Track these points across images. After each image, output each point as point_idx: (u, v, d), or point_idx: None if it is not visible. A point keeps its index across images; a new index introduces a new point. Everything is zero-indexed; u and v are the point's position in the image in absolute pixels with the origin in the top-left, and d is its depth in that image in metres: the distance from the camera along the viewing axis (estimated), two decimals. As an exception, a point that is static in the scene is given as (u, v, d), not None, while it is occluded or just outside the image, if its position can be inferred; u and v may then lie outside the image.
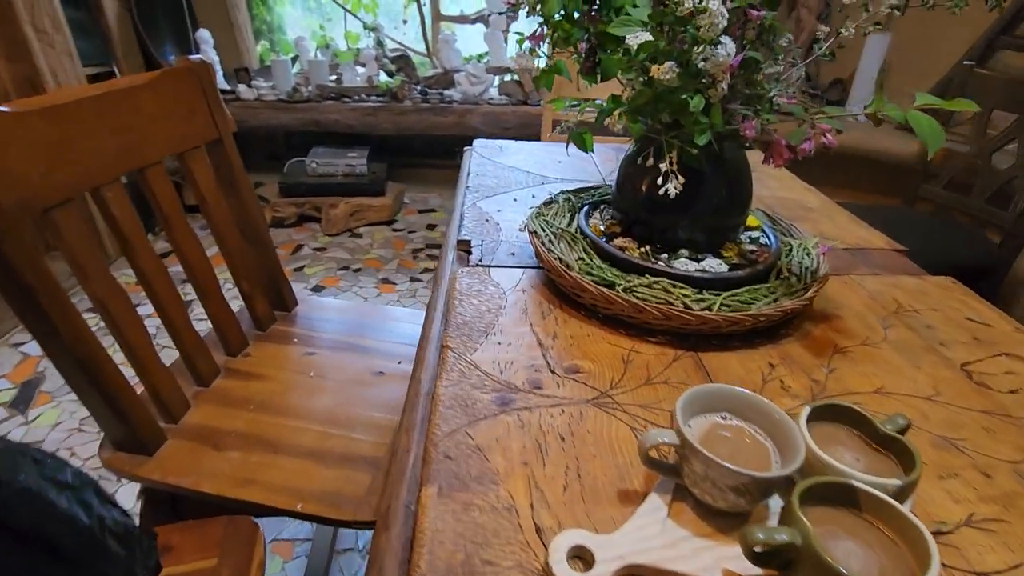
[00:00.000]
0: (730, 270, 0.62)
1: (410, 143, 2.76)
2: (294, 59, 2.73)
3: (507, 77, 2.55)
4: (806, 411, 0.41)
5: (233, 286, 0.93)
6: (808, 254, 0.68)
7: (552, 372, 0.53)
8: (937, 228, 1.49)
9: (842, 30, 0.58)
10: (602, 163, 1.17)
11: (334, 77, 2.61)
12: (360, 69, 2.64)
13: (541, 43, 0.66)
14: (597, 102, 0.71)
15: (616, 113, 0.66)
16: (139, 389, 0.72)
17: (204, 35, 2.48)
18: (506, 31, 2.52)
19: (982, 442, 0.48)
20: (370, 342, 0.97)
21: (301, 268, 2.13)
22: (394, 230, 2.47)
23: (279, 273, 1.03)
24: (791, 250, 0.68)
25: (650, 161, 0.61)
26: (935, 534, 0.39)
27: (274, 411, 0.80)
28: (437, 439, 0.45)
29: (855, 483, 0.35)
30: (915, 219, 1.54)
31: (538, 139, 1.67)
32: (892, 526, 0.34)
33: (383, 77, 2.60)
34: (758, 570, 0.34)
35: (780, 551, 0.33)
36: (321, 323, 1.02)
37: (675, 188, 0.58)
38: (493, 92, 2.54)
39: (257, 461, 0.71)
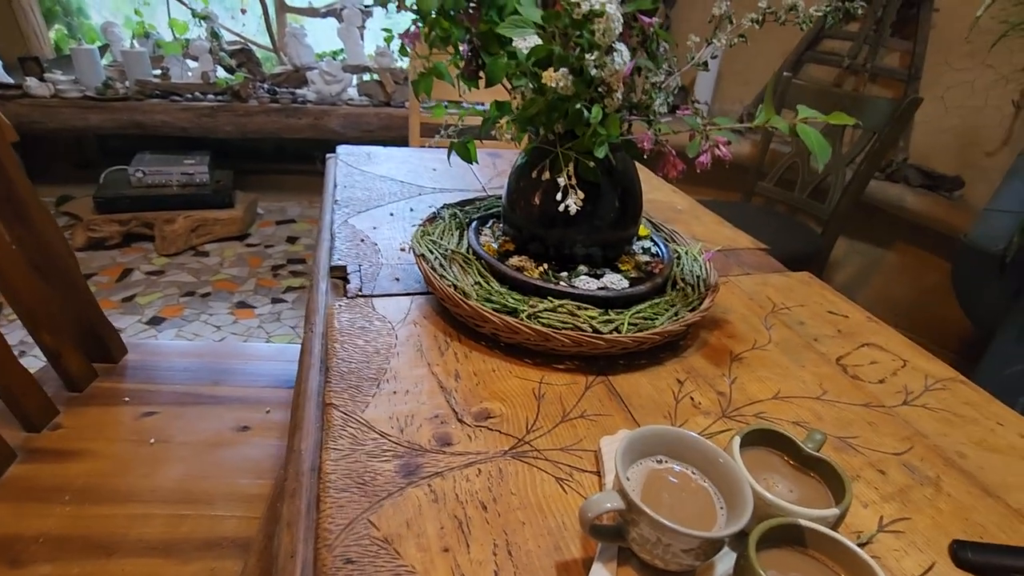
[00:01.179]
0: (631, 285, 0.60)
1: (259, 147, 2.48)
2: (103, 49, 2.31)
3: (367, 76, 2.40)
4: (737, 442, 0.39)
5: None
6: (695, 260, 0.68)
7: (461, 421, 0.47)
8: (772, 220, 1.67)
9: (715, 40, 0.58)
10: (480, 170, 1.12)
11: (159, 72, 2.25)
12: (192, 64, 2.31)
13: (415, 42, 0.58)
14: (479, 107, 0.66)
15: (503, 122, 0.61)
16: None
17: (-30, 15, 1.99)
18: (362, 27, 2.37)
19: (870, 437, 0.51)
20: (227, 390, 0.82)
21: (132, 297, 1.80)
22: (248, 245, 2.20)
23: (97, 315, 0.83)
24: (679, 258, 0.69)
25: (545, 175, 0.56)
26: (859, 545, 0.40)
27: (102, 498, 0.63)
28: (331, 537, 0.36)
29: (802, 522, 0.33)
30: (753, 213, 1.72)
31: (405, 143, 1.58)
32: (838, 560, 0.33)
33: (221, 73, 2.30)
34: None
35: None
36: (161, 372, 0.84)
37: (576, 204, 0.54)
38: (352, 92, 2.37)
39: (81, 573, 0.55)
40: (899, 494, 0.45)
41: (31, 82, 2.05)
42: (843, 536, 0.33)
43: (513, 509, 0.39)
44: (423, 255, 0.62)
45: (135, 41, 2.33)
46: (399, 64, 2.37)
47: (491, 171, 1.12)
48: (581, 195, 0.55)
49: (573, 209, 0.54)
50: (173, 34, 2.41)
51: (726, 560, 0.36)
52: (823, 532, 0.33)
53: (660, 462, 0.38)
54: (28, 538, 0.58)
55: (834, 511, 0.35)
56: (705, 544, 0.32)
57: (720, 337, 0.63)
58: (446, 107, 0.66)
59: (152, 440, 0.71)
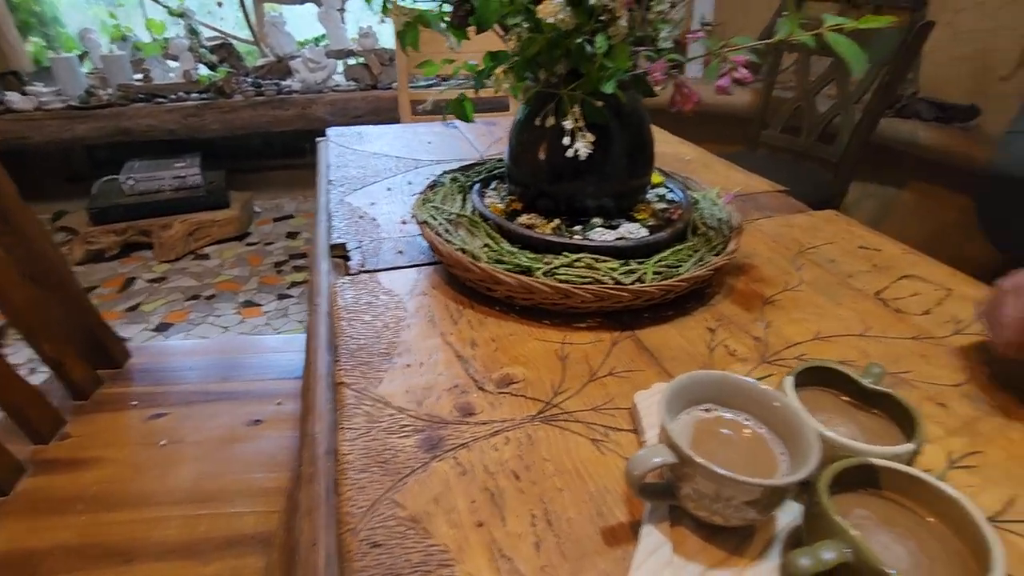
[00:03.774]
0: (650, 233, 0.56)
1: (247, 143, 2.43)
2: (82, 56, 2.25)
3: (352, 60, 2.34)
4: (790, 382, 0.35)
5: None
6: (715, 204, 0.64)
7: (482, 389, 0.43)
8: (780, 168, 1.62)
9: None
10: (476, 139, 1.08)
11: (140, 75, 2.20)
12: (173, 64, 2.25)
13: (396, -9, 0.53)
14: (471, 63, 0.61)
15: (500, 71, 0.57)
16: None
17: (-59, 33, 1.94)
18: (342, 9, 2.30)
19: (924, 371, 0.47)
20: (237, 385, 0.79)
21: (136, 307, 1.78)
22: (248, 245, 2.17)
23: (97, 322, 0.80)
24: (697, 203, 0.64)
25: (549, 121, 0.52)
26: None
27: (116, 505, 0.60)
28: (354, 520, 0.33)
29: (875, 461, 0.29)
30: (761, 162, 1.66)
31: (396, 124, 1.53)
32: (918, 499, 0.29)
33: (203, 70, 2.24)
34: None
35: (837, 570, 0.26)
36: (167, 373, 0.81)
37: (586, 147, 0.50)
38: (338, 78, 2.31)
39: (100, 582, 0.52)
40: (966, 427, 0.41)
41: (13, 97, 2.00)
42: (925, 473, 0.29)
43: (548, 476, 0.36)
44: (426, 221, 0.58)
45: (114, 46, 2.27)
46: (383, 45, 2.30)
47: (488, 139, 1.08)
48: (591, 137, 0.51)
49: (584, 153, 0.50)
50: (151, 35, 2.35)
51: (788, 512, 0.32)
52: (899, 470, 0.29)
53: (708, 411, 0.34)
54: (44, 551, 0.56)
55: (909, 446, 0.31)
56: (770, 493, 0.28)
57: (748, 282, 0.59)
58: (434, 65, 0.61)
59: (163, 442, 0.68)
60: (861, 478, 0.30)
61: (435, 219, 0.59)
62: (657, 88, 0.52)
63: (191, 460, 0.66)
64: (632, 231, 0.56)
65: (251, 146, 2.49)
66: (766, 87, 1.68)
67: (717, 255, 0.55)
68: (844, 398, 0.37)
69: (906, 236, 0.67)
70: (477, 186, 0.66)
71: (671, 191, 0.66)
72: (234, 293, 1.85)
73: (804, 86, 1.59)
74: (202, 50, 2.23)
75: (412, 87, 2.16)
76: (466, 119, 0.64)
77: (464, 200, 0.64)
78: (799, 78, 1.59)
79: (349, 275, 0.60)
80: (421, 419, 0.40)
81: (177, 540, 0.56)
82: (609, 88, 0.48)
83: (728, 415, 0.34)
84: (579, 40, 0.48)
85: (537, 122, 0.53)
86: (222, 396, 0.77)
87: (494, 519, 0.33)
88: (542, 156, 0.57)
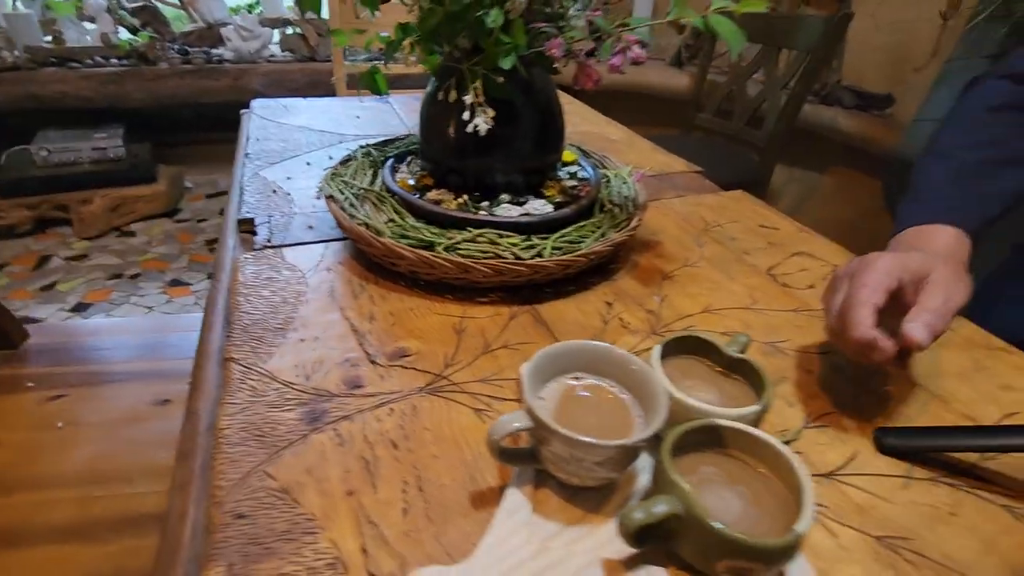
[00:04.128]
0: (555, 209, 0.57)
1: (177, 115, 2.30)
2: (-19, 14, 2.06)
3: (288, 30, 2.24)
4: (657, 351, 0.37)
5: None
6: (625, 183, 0.66)
7: (373, 363, 0.44)
8: (710, 151, 1.67)
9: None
10: (407, 114, 1.06)
11: (50, 37, 2.03)
12: (89, 26, 2.09)
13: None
14: (384, 35, 0.60)
15: (407, 43, 0.56)
16: None
17: None
18: (274, -26, 2.19)
19: (798, 340, 0.50)
20: (147, 365, 0.76)
21: (52, 286, 1.67)
22: (177, 222, 2.07)
23: (-14, 299, 0.75)
24: (608, 181, 0.66)
25: (451, 96, 0.52)
26: (786, 443, 0.39)
27: (7, 489, 0.58)
28: (222, 492, 0.32)
29: (718, 422, 0.32)
30: (692, 144, 1.70)
31: (333, 97, 1.48)
32: (759, 456, 0.31)
33: (124, 34, 2.10)
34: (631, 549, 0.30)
35: (661, 523, 0.28)
36: (70, 353, 0.77)
37: (485, 123, 0.50)
38: (274, 49, 2.21)
39: (-19, 569, 0.50)
40: (825, 391, 0.44)
41: (-100, 56, 1.82)
42: (761, 432, 0.31)
43: (426, 445, 0.37)
44: (332, 196, 0.58)
45: (18, 3, 2.08)
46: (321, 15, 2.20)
47: (417, 114, 1.06)
48: (491, 113, 0.51)
49: (483, 129, 0.50)
50: (63, -7, 2.17)
51: (648, 472, 0.34)
52: (741, 429, 0.31)
53: (577, 379, 0.36)
54: (-80, 540, 0.53)
55: (752, 408, 0.34)
56: (617, 453, 0.30)
57: (651, 258, 0.62)
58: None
59: (60, 424, 0.65)
60: (710, 438, 0.32)
61: (342, 194, 0.58)
62: (558, 65, 0.52)
63: (88, 442, 0.63)
64: (538, 208, 0.57)
65: (182, 118, 2.36)
66: (700, 71, 1.72)
67: (620, 232, 0.57)
68: (713, 366, 0.40)
69: (827, 219, 0.70)
70: (390, 161, 0.65)
71: (583, 169, 0.67)
72: (161, 272, 1.77)
73: (735, 71, 1.64)
74: (122, 12, 2.08)
75: (352, 60, 2.10)
76: (378, 92, 0.63)
77: (375, 175, 0.63)
78: (731, 63, 1.64)
79: (254, 250, 0.58)
80: (307, 393, 0.40)
81: (67, 522, 0.54)
82: (507, 63, 0.48)
83: (594, 381, 0.35)
84: (478, 14, 0.48)
85: (440, 96, 0.53)
86: (130, 376, 0.74)
87: (365, 487, 0.33)
88: (450, 132, 0.57)
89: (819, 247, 0.66)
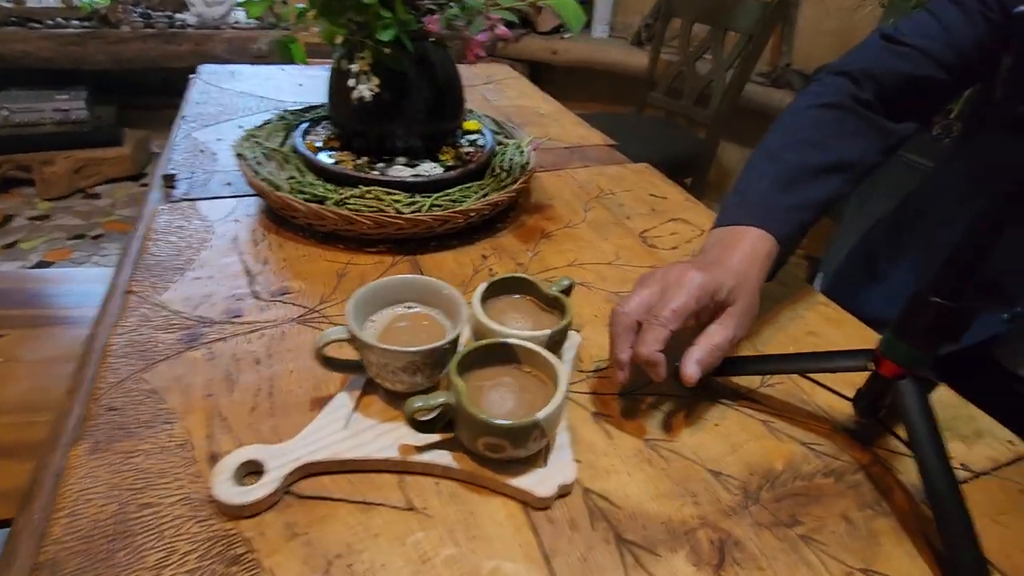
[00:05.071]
0: (444, 172, 0.63)
1: (143, 79, 2.30)
2: (-61, -31, 2.03)
3: (253, -6, 2.23)
4: (482, 287, 0.44)
5: None
6: (521, 152, 0.72)
7: (257, 298, 0.50)
8: (660, 129, 1.73)
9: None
10: (346, 82, 1.10)
11: (11, -6, 2.02)
12: (50, -16, 2.08)
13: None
14: (300, 6, 0.65)
15: (310, 14, 0.61)
16: None
17: None
18: (239, -63, 2.17)
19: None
20: (88, 311, 0.82)
21: (13, 244, 1.71)
22: (143, 185, 2.09)
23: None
24: (505, 149, 0.72)
25: (343, 65, 0.57)
26: (595, 370, 0.47)
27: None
28: (101, 391, 0.39)
29: (509, 340, 0.39)
30: (643, 123, 1.76)
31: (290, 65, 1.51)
32: (542, 369, 0.39)
33: (86, -5, 2.08)
34: (432, 438, 0.37)
35: (442, 414, 0.35)
36: (14, 298, 0.83)
37: (369, 90, 0.56)
38: (239, 14, 2.20)
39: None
40: (651, 331, 0.52)
41: None
42: (539, 347, 0.38)
43: (286, 362, 0.43)
44: (241, 154, 0.63)
45: (-22, -41, 2.06)
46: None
47: (358, 83, 1.10)
48: (376, 81, 0.56)
49: (367, 95, 0.56)
50: (24, -50, 2.14)
51: (466, 384, 0.42)
52: (526, 347, 0.38)
53: (409, 307, 0.43)
54: None
55: (544, 332, 0.41)
56: (420, 360, 0.37)
57: (538, 219, 0.68)
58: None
59: (1, 360, 0.71)
60: (505, 355, 0.39)
61: (252, 153, 0.64)
62: (434, 39, 0.58)
63: (26, 377, 0.69)
64: (427, 170, 0.63)
65: (148, 82, 2.36)
66: (654, 51, 1.77)
67: (500, 193, 0.63)
68: (537, 303, 0.47)
69: None
70: (304, 125, 0.70)
71: (483, 137, 0.73)
72: (123, 233, 1.80)
73: (686, 51, 1.69)
74: (84, -29, 2.06)
75: (239, 4, 2.10)
76: (292, 61, 0.68)
77: (287, 137, 0.69)
78: (682, 43, 1.68)
79: (171, 202, 0.64)
80: (191, 320, 0.47)
81: (8, 442, 0.61)
82: (386, 36, 0.54)
83: (420, 310, 0.42)
84: (362, -11, 0.53)
85: (337, 66, 0.58)
86: (68, 321, 0.80)
87: (224, 391, 0.40)
88: (351, 98, 0.62)
89: (697, 215, 0.73)
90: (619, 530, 0.34)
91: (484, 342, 0.38)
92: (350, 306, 0.38)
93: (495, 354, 0.39)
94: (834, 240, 1.34)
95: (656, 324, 0.38)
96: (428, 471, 0.36)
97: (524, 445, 0.34)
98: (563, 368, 0.37)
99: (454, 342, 0.38)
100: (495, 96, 1.10)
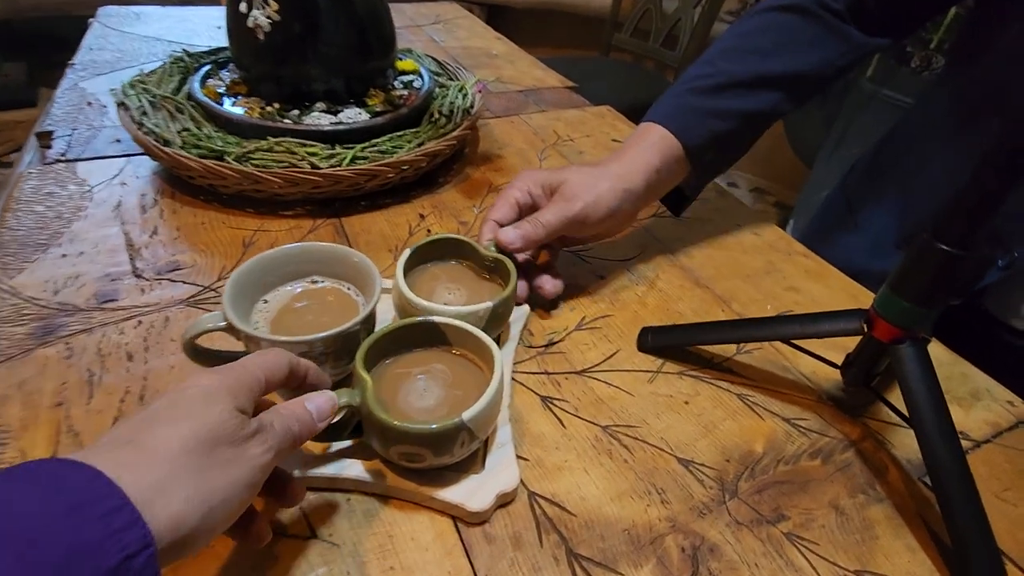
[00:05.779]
0: (372, 119, 0.54)
1: (56, 31, 2.06)
2: None
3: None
4: (406, 253, 0.36)
5: None
6: (464, 95, 0.63)
7: (139, 277, 0.41)
8: (625, 72, 1.63)
9: None
10: (271, 23, 0.97)
11: None
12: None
13: None
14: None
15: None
16: None
17: None
18: None
19: (604, 249, 0.50)
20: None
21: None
22: (67, 151, 1.90)
23: None
24: (445, 91, 0.63)
25: (233, -14, 0.47)
26: (548, 345, 0.40)
27: None
28: (-88, 408, 0.31)
29: (434, 319, 0.31)
30: (607, 67, 1.66)
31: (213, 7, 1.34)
32: (477, 352, 0.32)
33: (-23, -68, 1.82)
34: (339, 445, 0.30)
35: (348, 417, 0.28)
36: None
37: (267, 18, 0.46)
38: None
39: None
40: (611, 295, 0.45)
41: None
42: (472, 326, 0.31)
43: (166, 355, 0.35)
44: (123, 103, 0.53)
45: None
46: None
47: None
48: (274, 7, 0.46)
49: (264, 24, 0.46)
50: None
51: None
52: (455, 326, 0.31)
53: (315, 282, 0.35)
54: None
55: (484, 305, 0.33)
56: (315, 349, 0.29)
57: (485, 172, 0.60)
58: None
59: None
60: (432, 336, 0.32)
61: (138, 101, 0.53)
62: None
63: None
64: (352, 117, 0.54)
65: (63, 35, 2.11)
66: (618, -13, 1.64)
67: (439, 142, 0.55)
68: (477, 269, 0.39)
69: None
70: (205, 68, 0.59)
71: (420, 79, 0.63)
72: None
73: (651, -13, 1.57)
74: (-29, -96, 1.80)
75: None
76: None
77: (183, 83, 0.58)
78: (648, -22, 1.57)
79: (45, 164, 0.53)
80: (49, 308, 0.38)
81: None
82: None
83: (330, 284, 0.35)
84: None
85: (225, -13, 0.48)
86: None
87: (79, 398, 0.32)
88: (259, 35, 0.52)
89: (662, 160, 0.66)
90: (572, 544, 0.28)
91: (402, 322, 0.31)
92: (229, 286, 0.30)
93: (419, 336, 0.32)
94: (807, 187, 1.29)
95: (484, 220, 0.40)
96: (335, 486, 0.29)
97: (449, 452, 0.27)
98: (499, 353, 0.30)
99: (366, 322, 0.31)
100: (444, 36, 0.99)
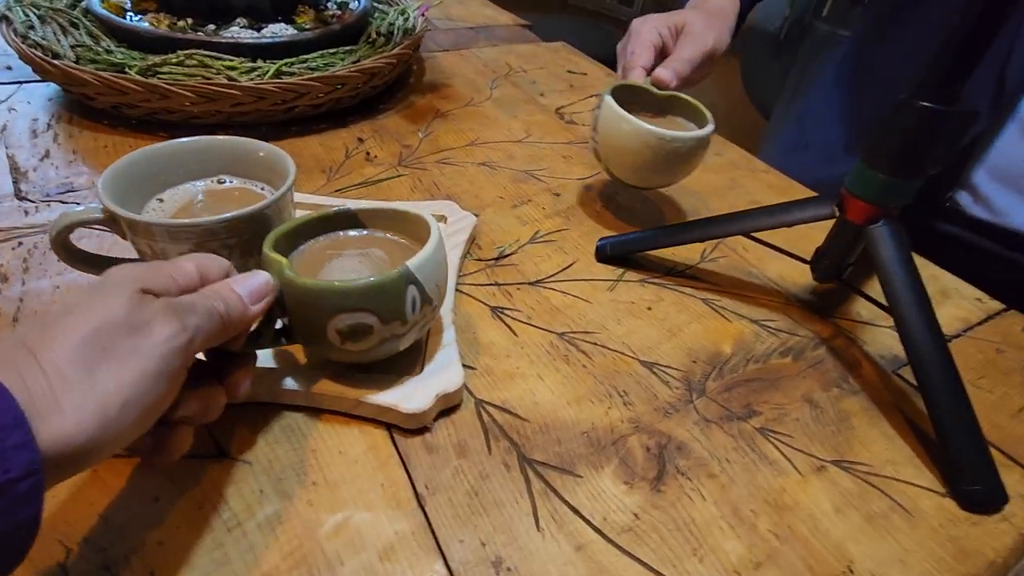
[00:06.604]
0: (299, 34, 0.49)
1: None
2: None
3: None
4: (611, 85, 0.32)
5: None
6: (406, 16, 0.58)
7: (23, 199, 0.36)
8: (583, 31, 1.59)
9: None
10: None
11: None
12: None
13: None
14: None
15: None
16: None
17: None
18: None
19: (558, 168, 0.47)
20: None
21: None
22: None
23: None
24: (385, 12, 0.58)
25: None
26: (498, 258, 0.37)
27: None
28: None
29: (351, 207, 0.27)
30: (566, 26, 1.61)
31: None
32: (409, 233, 0.27)
33: None
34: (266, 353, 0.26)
35: (269, 317, 0.23)
36: None
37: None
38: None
39: None
40: (566, 211, 0.42)
41: None
42: (397, 204, 0.27)
43: (50, 276, 0.30)
44: (6, 16, 0.46)
45: None
46: None
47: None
48: None
49: (161, -90, 0.40)
50: None
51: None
52: (378, 209, 0.27)
53: (221, 182, 0.30)
54: None
55: (702, 132, 0.29)
56: (214, 236, 0.25)
57: (432, 99, 0.55)
58: None
59: None
60: (351, 223, 0.28)
61: (24, 15, 0.47)
62: None
63: None
64: (276, 31, 0.48)
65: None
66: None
67: (376, 60, 0.50)
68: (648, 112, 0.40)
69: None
70: (108, -15, 0.53)
71: (356, 0, 0.58)
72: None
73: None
74: None
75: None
76: None
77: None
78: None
79: (-82, 93, 0.46)
80: (-93, 230, 0.32)
81: None
82: None
83: (237, 184, 0.30)
84: None
85: None
86: None
87: (-65, 319, 0.27)
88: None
89: (619, 88, 0.62)
90: (525, 449, 0.25)
91: (318, 213, 0.27)
92: (107, 174, 0.25)
93: (338, 225, 0.28)
94: (764, 139, 1.28)
95: (630, 69, 0.41)
96: (249, 399, 0.25)
97: (400, 315, 0.23)
98: (434, 220, 0.26)
99: (278, 212, 0.26)
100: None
